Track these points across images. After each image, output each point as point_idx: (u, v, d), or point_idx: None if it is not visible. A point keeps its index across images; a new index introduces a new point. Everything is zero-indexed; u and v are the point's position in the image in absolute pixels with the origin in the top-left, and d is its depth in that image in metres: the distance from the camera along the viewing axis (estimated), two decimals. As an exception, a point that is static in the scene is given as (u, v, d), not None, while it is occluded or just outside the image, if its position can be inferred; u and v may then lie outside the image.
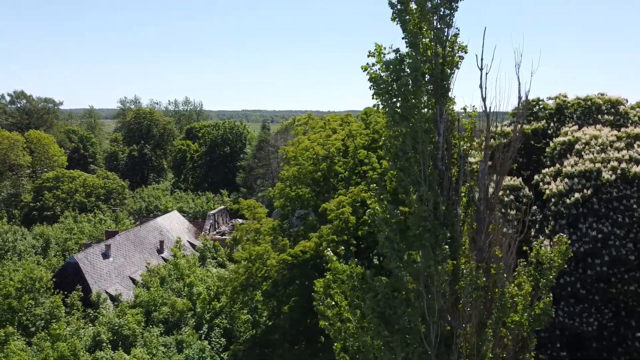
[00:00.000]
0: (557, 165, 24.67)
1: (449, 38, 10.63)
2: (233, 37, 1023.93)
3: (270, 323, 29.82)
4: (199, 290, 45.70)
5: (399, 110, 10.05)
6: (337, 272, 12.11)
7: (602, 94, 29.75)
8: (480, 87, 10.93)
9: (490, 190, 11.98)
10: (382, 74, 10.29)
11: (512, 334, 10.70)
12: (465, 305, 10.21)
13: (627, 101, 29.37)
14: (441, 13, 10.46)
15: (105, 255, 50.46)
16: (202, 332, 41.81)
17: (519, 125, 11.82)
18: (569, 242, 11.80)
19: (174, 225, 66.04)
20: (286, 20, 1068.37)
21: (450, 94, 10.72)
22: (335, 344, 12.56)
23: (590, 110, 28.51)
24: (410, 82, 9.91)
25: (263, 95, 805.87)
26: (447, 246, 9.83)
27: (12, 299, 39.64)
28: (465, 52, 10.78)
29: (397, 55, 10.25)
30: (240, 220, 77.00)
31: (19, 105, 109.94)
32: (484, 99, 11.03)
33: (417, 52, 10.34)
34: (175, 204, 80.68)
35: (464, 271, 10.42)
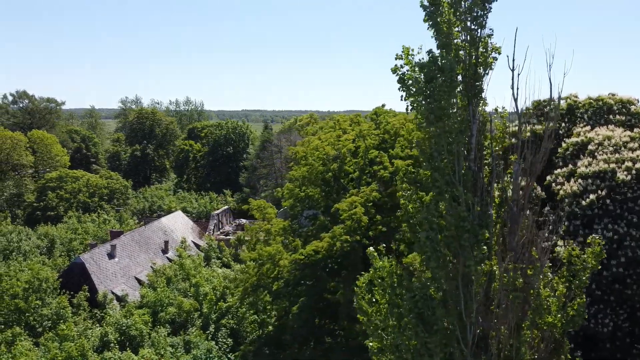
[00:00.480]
0: (570, 166, 24.63)
1: (483, 39, 10.62)
2: (233, 38, 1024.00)
3: (278, 323, 29.76)
4: (205, 290, 45.67)
5: (433, 111, 10.01)
6: (379, 269, 12.04)
7: (612, 94, 29.72)
8: (512, 87, 10.88)
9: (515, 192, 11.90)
10: (416, 76, 10.27)
11: (543, 335, 10.67)
12: (499, 307, 10.18)
13: (638, 101, 29.35)
14: (475, 14, 10.44)
15: (111, 256, 50.41)
16: (209, 332, 41.79)
17: (551, 125, 11.73)
18: (603, 242, 11.77)
19: (178, 225, 65.99)
20: (286, 21, 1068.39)
21: (483, 94, 10.70)
22: (372, 344, 12.48)
23: (601, 111, 28.48)
24: (445, 83, 9.87)
25: (263, 95, 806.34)
26: (484, 247, 9.81)
27: (19, 299, 39.60)
28: (499, 53, 10.74)
29: (430, 56, 10.23)
30: (244, 220, 77.00)
31: (21, 105, 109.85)
32: (515, 100, 11.01)
33: (450, 53, 10.32)
34: (179, 204, 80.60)
35: (496, 272, 10.38)
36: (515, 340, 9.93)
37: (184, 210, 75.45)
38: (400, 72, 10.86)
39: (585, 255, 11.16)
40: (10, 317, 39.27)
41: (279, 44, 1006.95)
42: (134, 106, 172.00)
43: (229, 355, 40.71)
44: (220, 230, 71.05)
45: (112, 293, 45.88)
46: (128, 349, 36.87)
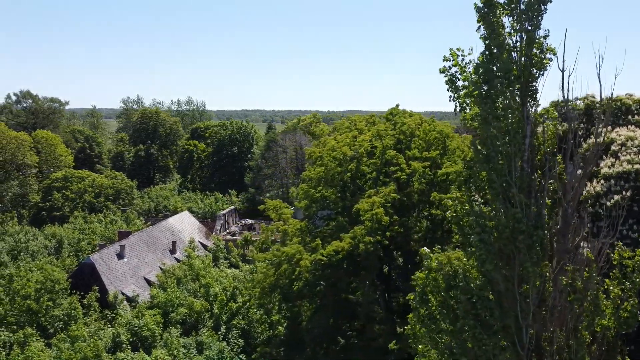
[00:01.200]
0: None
1: (538, 40, 10.55)
2: (232, 38, 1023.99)
3: (295, 324, 29.65)
4: (216, 291, 45.53)
5: (491, 112, 9.93)
6: (433, 270, 11.94)
7: (630, 95, 29.65)
8: (562, 89, 10.83)
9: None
10: (472, 77, 10.20)
11: (595, 338, 10.60)
12: (554, 309, 10.11)
13: (656, 101, 29.27)
14: (530, 15, 10.37)
15: (120, 256, 50.31)
16: (220, 333, 41.67)
17: (602, 128, 11.65)
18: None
19: (185, 225, 65.89)
20: (285, 22, 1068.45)
21: (537, 96, 10.65)
22: (420, 346, 12.36)
23: (619, 111, 28.43)
24: (503, 84, 9.80)
25: (262, 95, 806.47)
26: (539, 248, 9.75)
27: (30, 300, 39.48)
28: (554, 54, 10.66)
29: (486, 57, 10.17)
30: (249, 221, 76.95)
31: (25, 105, 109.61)
32: (566, 101, 10.92)
33: (504, 54, 10.24)
34: (185, 204, 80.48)
35: (547, 273, 10.31)
36: (574, 343, 9.85)
37: (190, 211, 75.35)
38: (448, 73, 10.80)
39: (638, 257, 11.09)
40: (21, 317, 39.16)
41: (279, 44, 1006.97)
42: (135, 106, 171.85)
43: (240, 356, 40.65)
44: (227, 231, 70.95)
45: (122, 294, 45.77)
46: (141, 349, 36.78)
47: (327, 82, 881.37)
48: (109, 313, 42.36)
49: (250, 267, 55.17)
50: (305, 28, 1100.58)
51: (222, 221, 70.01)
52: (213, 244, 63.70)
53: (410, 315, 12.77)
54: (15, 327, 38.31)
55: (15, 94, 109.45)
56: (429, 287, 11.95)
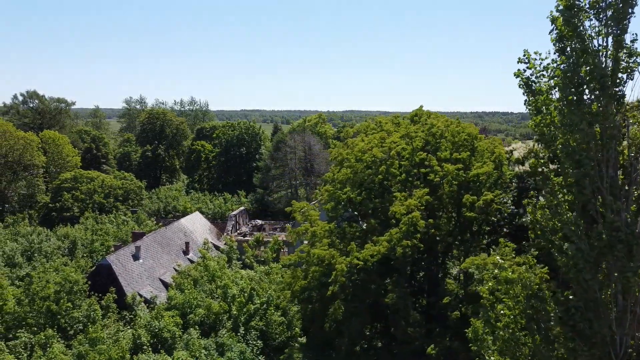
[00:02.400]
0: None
1: (625, 44, 10.45)
2: (232, 39, 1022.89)
3: (327, 326, 29.52)
4: (233, 292, 45.39)
5: (584, 117, 9.81)
6: (508, 281, 11.81)
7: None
8: (645, 92, 10.76)
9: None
10: (550, 81, 10.10)
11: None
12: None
13: None
14: (617, 19, 10.25)
15: (135, 257, 50.19)
16: (239, 334, 41.53)
17: None
18: None
19: (196, 226, 65.79)
20: (284, 22, 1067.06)
21: (624, 100, 10.54)
22: (493, 357, 12.20)
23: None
24: (593, 89, 9.69)
25: (262, 95, 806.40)
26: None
27: (49, 301, 39.34)
28: (644, 58, 10.56)
29: (572, 62, 10.05)
30: (259, 221, 76.84)
31: (31, 105, 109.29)
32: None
33: (593, 59, 10.13)
34: (194, 204, 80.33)
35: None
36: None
37: (200, 211, 75.24)
38: (524, 77, 10.70)
39: None
40: (41, 319, 39.02)
41: (278, 45, 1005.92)
42: (138, 106, 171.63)
43: (260, 358, 40.52)
44: (238, 231, 70.83)
45: (139, 295, 45.63)
46: (162, 351, 36.65)
47: (327, 83, 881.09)
48: (127, 314, 42.25)
49: (265, 268, 55.06)
50: (305, 29, 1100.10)
51: (233, 222, 69.89)
52: (225, 244, 63.62)
53: (477, 321, 12.64)
54: (35, 329, 38.19)
55: (21, 94, 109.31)
56: (505, 297, 11.79)
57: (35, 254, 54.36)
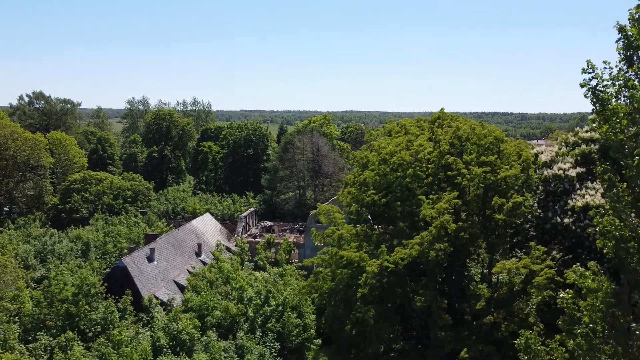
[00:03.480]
0: None
1: None
2: (231, 40, 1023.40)
3: (354, 329, 29.51)
4: (249, 294, 45.39)
5: None
6: (590, 290, 11.82)
7: None
8: None
9: None
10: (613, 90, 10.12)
11: None
12: None
13: None
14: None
15: (150, 259, 50.18)
16: (257, 336, 41.53)
17: None
18: None
19: (207, 228, 65.79)
20: (285, 23, 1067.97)
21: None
22: None
23: None
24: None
25: (261, 95, 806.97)
26: None
27: (68, 304, 39.32)
28: None
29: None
30: (268, 223, 76.79)
31: (37, 106, 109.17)
32: None
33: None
34: (202, 206, 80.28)
35: None
36: None
37: (209, 213, 75.17)
38: (590, 87, 10.74)
39: None
40: (59, 321, 38.99)
41: (277, 45, 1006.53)
42: (141, 107, 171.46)
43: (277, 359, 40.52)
44: (248, 233, 70.81)
45: (155, 297, 45.61)
46: (183, 354, 36.64)
47: (326, 83, 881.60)
48: (145, 317, 42.23)
49: (279, 270, 55.05)
50: (304, 29, 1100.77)
51: (243, 223, 69.87)
52: (236, 246, 63.62)
53: (527, 332, 12.67)
54: (54, 331, 38.17)
55: (27, 95, 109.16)
56: (587, 309, 11.76)
57: (49, 256, 54.31)
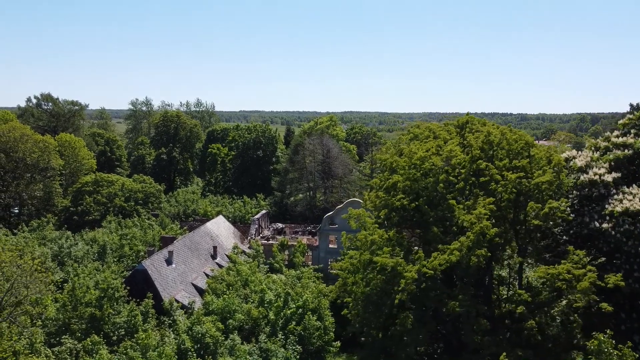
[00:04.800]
0: None
1: None
2: (231, 40, 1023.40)
3: (387, 334, 29.56)
4: (270, 297, 45.46)
5: None
6: None
7: None
8: None
9: None
10: None
11: None
12: None
13: None
14: None
15: (168, 262, 50.27)
16: (279, 339, 41.62)
17: None
18: None
19: (221, 230, 65.87)
20: (285, 23, 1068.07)
21: None
22: None
23: None
24: None
25: (260, 96, 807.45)
26: None
27: (92, 307, 39.36)
28: None
29: None
30: (280, 225, 76.88)
31: (45, 108, 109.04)
32: None
33: None
34: (214, 208, 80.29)
35: None
36: None
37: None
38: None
39: None
40: (82, 325, 39.02)
41: (276, 45, 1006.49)
42: (144, 108, 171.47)
43: (301, 363, 40.59)
44: (261, 235, 70.88)
45: (176, 300, 45.68)
46: (209, 357, 36.70)
47: (326, 83, 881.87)
48: (167, 320, 42.28)
49: (297, 272, 55.13)
50: (304, 30, 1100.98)
51: (256, 225, 69.94)
52: (249, 248, 63.69)
53: (600, 335, 12.82)
54: (79, 335, 38.20)
55: (35, 97, 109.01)
56: None
57: (65, 259, 54.30)
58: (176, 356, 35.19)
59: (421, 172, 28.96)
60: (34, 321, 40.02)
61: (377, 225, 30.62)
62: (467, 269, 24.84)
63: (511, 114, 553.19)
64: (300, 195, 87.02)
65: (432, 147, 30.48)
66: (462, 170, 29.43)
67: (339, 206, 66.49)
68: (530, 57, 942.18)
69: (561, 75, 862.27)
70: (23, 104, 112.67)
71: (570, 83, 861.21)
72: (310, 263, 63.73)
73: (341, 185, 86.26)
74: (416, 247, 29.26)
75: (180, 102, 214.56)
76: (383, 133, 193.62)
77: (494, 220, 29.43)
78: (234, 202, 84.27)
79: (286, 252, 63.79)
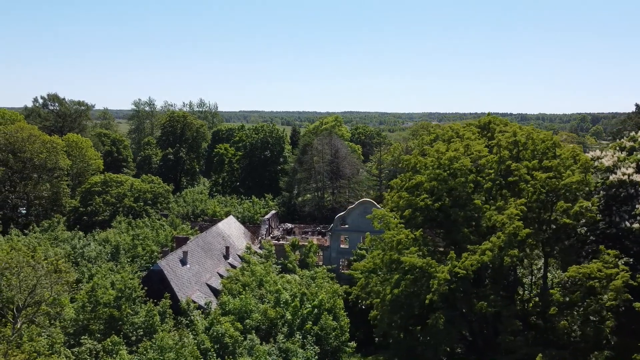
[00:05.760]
0: None
1: None
2: (230, 41, 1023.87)
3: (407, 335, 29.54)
4: (285, 297, 45.44)
5: None
6: None
7: None
8: None
9: None
10: None
11: None
12: None
13: None
14: None
15: (183, 262, 50.22)
16: (297, 339, 41.59)
17: None
18: None
19: (232, 230, 65.84)
20: (284, 23, 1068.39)
21: None
22: None
23: None
24: None
25: (260, 96, 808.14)
26: None
27: (111, 308, 39.31)
28: None
29: None
30: (289, 225, 76.87)
31: (52, 108, 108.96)
32: None
33: None
34: (222, 208, 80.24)
35: None
36: None
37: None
38: None
39: None
40: (101, 325, 38.97)
41: (276, 45, 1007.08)
42: (147, 108, 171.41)
43: (320, 363, 40.57)
44: (271, 235, 70.86)
45: (192, 300, 45.61)
46: (229, 357, 36.66)
47: (325, 84, 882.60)
48: (184, 320, 42.23)
49: (311, 272, 55.12)
50: (304, 30, 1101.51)
51: (267, 226, 69.92)
52: (260, 248, 63.64)
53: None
54: (98, 335, 38.14)
55: (42, 97, 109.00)
56: None
57: (79, 259, 54.24)
58: (202, 357, 35.12)
59: (448, 172, 28.98)
60: (52, 322, 40.01)
61: (402, 226, 30.59)
62: (499, 269, 24.88)
63: (511, 114, 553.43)
64: (308, 195, 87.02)
65: (460, 148, 30.51)
66: (490, 171, 29.47)
67: (350, 206, 66.51)
68: (530, 57, 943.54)
69: (561, 75, 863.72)
70: (27, 104, 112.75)
71: (570, 83, 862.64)
72: (320, 263, 63.73)
73: (349, 185, 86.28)
74: (440, 247, 29.23)
75: (183, 103, 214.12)
76: (385, 133, 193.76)
77: (521, 221, 29.45)
78: (243, 202, 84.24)
79: (297, 252, 63.79)
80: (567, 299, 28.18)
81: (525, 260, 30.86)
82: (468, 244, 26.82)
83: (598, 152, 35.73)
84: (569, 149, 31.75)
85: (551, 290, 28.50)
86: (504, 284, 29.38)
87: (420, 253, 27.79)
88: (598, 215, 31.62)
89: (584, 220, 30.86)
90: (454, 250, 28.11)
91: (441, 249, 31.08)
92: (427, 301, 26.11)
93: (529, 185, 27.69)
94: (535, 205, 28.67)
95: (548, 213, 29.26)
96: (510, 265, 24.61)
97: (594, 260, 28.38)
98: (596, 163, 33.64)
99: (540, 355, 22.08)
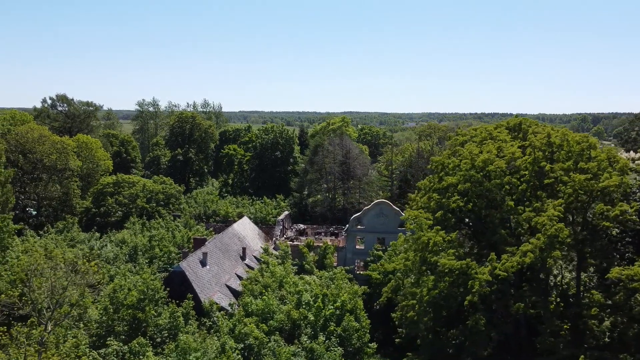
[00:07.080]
0: None
1: None
2: (230, 41, 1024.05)
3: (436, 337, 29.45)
4: (307, 298, 45.36)
5: None
6: None
7: None
8: None
9: None
10: None
11: None
12: None
13: None
14: None
15: (203, 263, 50.19)
16: (320, 341, 41.49)
17: None
18: None
19: (247, 232, 65.78)
20: (284, 23, 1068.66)
21: None
22: None
23: None
24: None
25: (260, 97, 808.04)
26: None
27: (134, 309, 39.20)
28: None
29: None
30: (302, 226, 76.79)
31: (60, 109, 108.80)
32: None
33: None
34: (234, 209, 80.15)
35: None
36: None
37: (242, 216, 75.03)
38: None
39: None
40: (124, 327, 38.86)
41: (276, 46, 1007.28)
42: (151, 108, 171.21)
43: (343, 364, 40.47)
44: (285, 236, 70.80)
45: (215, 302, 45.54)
46: (253, 358, 36.57)
47: (325, 84, 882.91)
48: (207, 321, 42.17)
49: (330, 273, 55.03)
50: (304, 30, 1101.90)
51: (280, 226, 69.87)
52: (275, 249, 63.57)
53: None
54: (123, 337, 38.04)
55: (50, 98, 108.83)
56: None
57: (96, 260, 54.06)
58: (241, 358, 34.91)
59: (482, 173, 28.92)
60: (76, 323, 39.88)
61: (439, 227, 30.51)
62: (540, 271, 24.85)
63: (511, 114, 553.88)
64: (319, 196, 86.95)
65: (493, 149, 30.48)
66: (525, 172, 29.44)
67: (366, 207, 66.42)
68: (530, 57, 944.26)
69: (561, 75, 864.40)
70: (35, 105, 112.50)
71: (570, 83, 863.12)
72: (335, 264, 63.64)
73: (360, 186, 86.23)
74: (472, 249, 29.14)
75: (187, 103, 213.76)
76: (389, 134, 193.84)
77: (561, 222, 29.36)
78: (254, 203, 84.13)
79: (312, 253, 63.69)
80: (609, 300, 28.20)
81: (560, 262, 30.93)
82: (505, 246, 26.75)
83: (632, 154, 35.68)
84: (605, 150, 31.70)
85: (593, 291, 28.45)
86: (543, 286, 29.36)
87: (457, 255, 27.73)
88: (638, 218, 31.43)
89: (629, 223, 30.57)
90: (490, 252, 28.02)
91: (475, 251, 31.03)
92: (466, 302, 26.06)
93: (567, 187, 27.66)
94: (573, 207, 28.62)
95: (582, 214, 29.22)
96: (553, 266, 24.58)
97: (636, 263, 28.28)
98: (632, 165, 33.53)
99: (582, 356, 22.04)
